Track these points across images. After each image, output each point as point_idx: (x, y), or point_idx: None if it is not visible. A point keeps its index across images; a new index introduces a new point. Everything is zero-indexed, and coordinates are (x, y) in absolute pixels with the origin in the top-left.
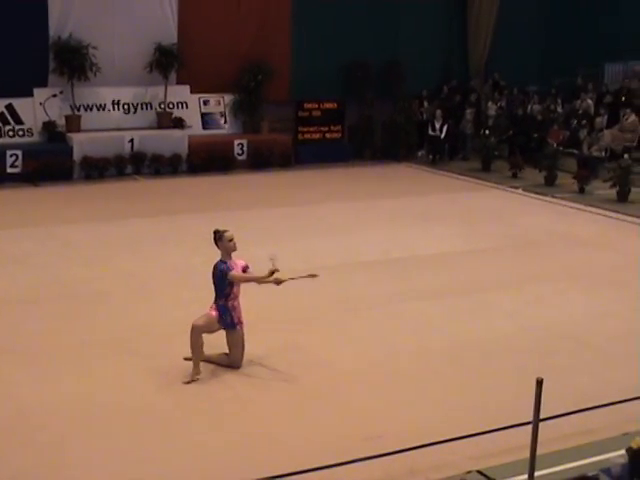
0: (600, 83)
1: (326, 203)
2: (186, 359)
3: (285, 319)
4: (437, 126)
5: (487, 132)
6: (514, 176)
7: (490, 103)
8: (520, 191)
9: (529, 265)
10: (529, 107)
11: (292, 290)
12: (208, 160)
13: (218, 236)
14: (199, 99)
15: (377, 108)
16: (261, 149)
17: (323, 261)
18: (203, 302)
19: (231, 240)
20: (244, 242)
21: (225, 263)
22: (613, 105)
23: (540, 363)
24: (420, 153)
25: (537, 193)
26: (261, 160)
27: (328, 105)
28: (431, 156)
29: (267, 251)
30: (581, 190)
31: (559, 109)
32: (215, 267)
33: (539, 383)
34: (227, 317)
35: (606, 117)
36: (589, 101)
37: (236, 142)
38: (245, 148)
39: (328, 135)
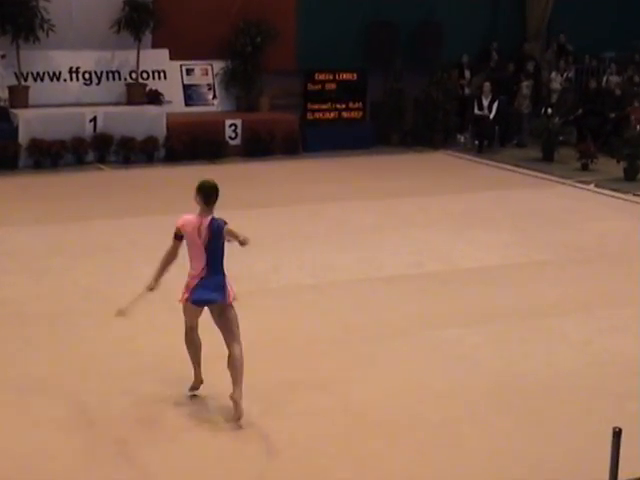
0: None
1: (341, 202)
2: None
3: (287, 351)
4: (484, 103)
5: (549, 111)
6: (584, 168)
7: (554, 74)
8: (592, 187)
9: (602, 283)
10: (604, 79)
11: (295, 312)
12: (192, 145)
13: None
14: (181, 67)
15: (407, 80)
16: (259, 132)
17: (336, 275)
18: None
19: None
20: (236, 250)
21: (218, 220)
22: None
23: (616, 408)
24: (462, 138)
25: (614, 190)
26: (259, 146)
27: (345, 76)
28: (477, 142)
29: (265, 263)
30: None
31: None
32: (211, 227)
33: (616, 433)
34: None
35: None
36: None
37: (228, 122)
38: (239, 130)
39: (345, 114)
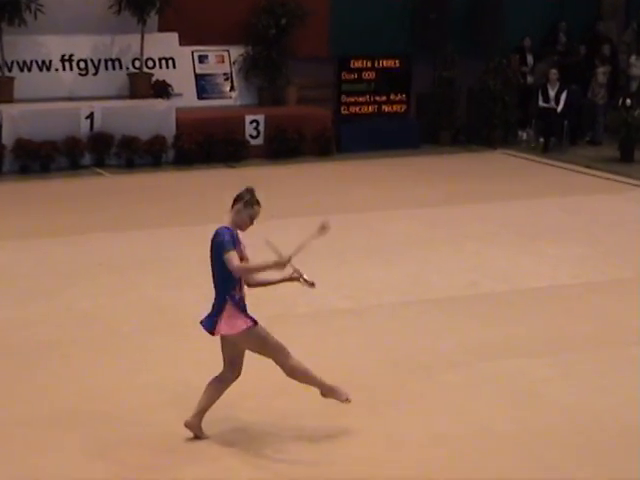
0: None
1: (382, 211)
2: None
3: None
4: (551, 94)
5: (628, 102)
6: None
7: (633, 58)
8: None
9: None
10: None
11: (329, 341)
12: (206, 146)
13: (247, 200)
14: (192, 54)
15: (460, 68)
16: (286, 129)
17: (378, 297)
18: (198, 359)
19: (252, 220)
20: None
21: (229, 230)
22: None
23: None
24: (525, 135)
25: None
26: (286, 146)
27: (386, 63)
28: (542, 139)
29: (293, 282)
30: None
31: None
32: (213, 239)
33: None
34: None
35: None
36: None
37: (249, 119)
38: (262, 128)
39: (386, 108)
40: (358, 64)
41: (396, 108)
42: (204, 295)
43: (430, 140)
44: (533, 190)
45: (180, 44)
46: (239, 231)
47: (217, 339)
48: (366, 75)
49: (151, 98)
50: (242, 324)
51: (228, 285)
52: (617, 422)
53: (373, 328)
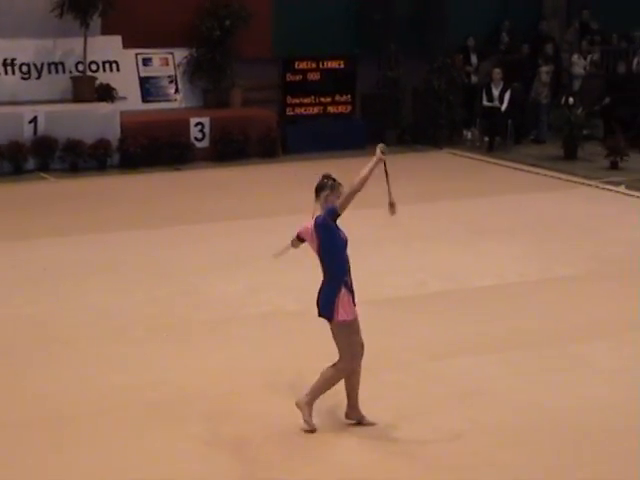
0: None
1: None
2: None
3: (271, 388)
4: (495, 93)
5: (571, 101)
6: (613, 167)
7: (576, 57)
8: (622, 189)
9: (637, 301)
10: (635, 62)
11: (278, 343)
12: (151, 149)
13: (331, 184)
14: (136, 57)
15: (404, 68)
16: (231, 131)
17: None
18: (149, 364)
19: (339, 198)
20: (207, 272)
21: (321, 216)
22: None
23: None
24: (469, 134)
25: None
26: (231, 148)
27: (331, 64)
28: (486, 138)
29: (241, 285)
30: None
31: None
32: (316, 226)
33: None
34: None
35: None
36: None
37: (193, 121)
38: (207, 130)
39: (332, 109)
40: (303, 65)
41: (341, 109)
42: (152, 299)
43: (376, 140)
44: (479, 189)
45: (124, 47)
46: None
47: (155, 339)
48: (311, 76)
49: (95, 102)
50: (349, 315)
51: (340, 271)
52: (568, 419)
53: (321, 330)
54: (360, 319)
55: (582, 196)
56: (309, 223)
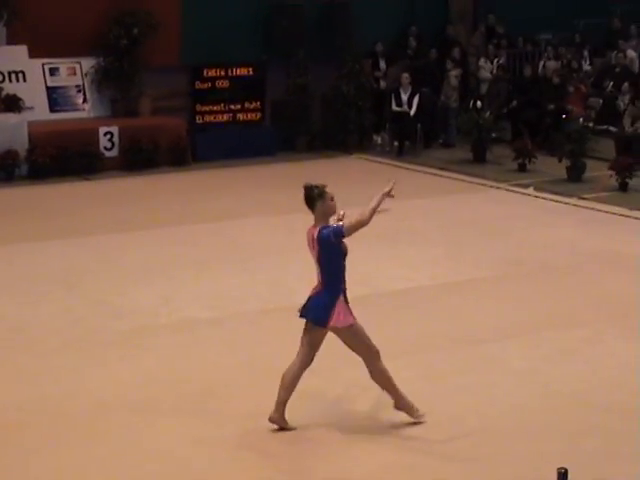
0: None
1: (240, 219)
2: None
3: (181, 399)
4: (403, 98)
5: (479, 104)
6: (521, 169)
7: (482, 60)
8: (531, 191)
9: (547, 301)
10: (541, 65)
11: (191, 351)
12: (60, 159)
13: (317, 192)
14: (43, 66)
15: (313, 74)
16: (141, 140)
17: (239, 305)
18: (64, 375)
19: (333, 199)
20: (120, 282)
21: (328, 227)
22: None
23: (565, 446)
24: (379, 139)
25: (556, 193)
26: (141, 157)
27: (240, 71)
28: (396, 143)
29: (154, 292)
30: (622, 186)
31: (586, 66)
32: (319, 238)
33: (562, 475)
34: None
35: None
36: (631, 52)
37: (102, 130)
38: (116, 139)
39: (241, 116)
40: (212, 73)
41: (251, 116)
42: (65, 310)
43: (286, 147)
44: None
45: (30, 57)
46: (334, 218)
47: (75, 353)
48: (220, 84)
49: (1, 112)
50: (350, 319)
51: (337, 280)
52: (478, 419)
53: (234, 337)
54: (271, 326)
55: (492, 199)
56: (314, 229)
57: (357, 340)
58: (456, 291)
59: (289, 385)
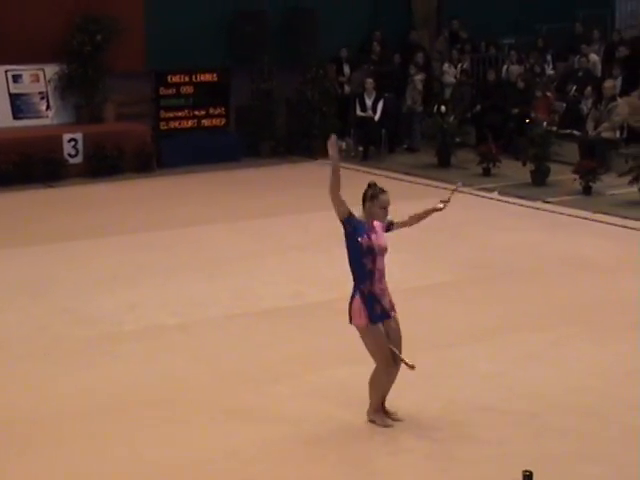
0: (609, 29)
1: (206, 225)
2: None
3: (148, 406)
4: (368, 103)
5: (443, 109)
6: (486, 173)
7: (446, 65)
8: (495, 195)
9: (511, 304)
10: (504, 69)
11: (157, 358)
12: (23, 166)
13: (371, 194)
14: (6, 73)
15: (278, 80)
16: (105, 147)
17: (205, 311)
18: (27, 383)
19: (384, 208)
20: (84, 289)
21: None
22: (630, 61)
23: (531, 449)
24: (344, 144)
25: (520, 197)
26: (105, 164)
27: (204, 77)
28: (361, 148)
29: (120, 299)
30: (586, 190)
31: (549, 70)
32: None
33: (527, 478)
34: (377, 308)
35: (620, 79)
36: (594, 57)
37: (66, 137)
38: (80, 146)
39: (206, 122)
40: (176, 79)
41: (216, 122)
42: (28, 317)
43: (251, 153)
44: (353, 199)
45: None
46: (377, 222)
47: (39, 361)
48: (184, 89)
49: None
50: (364, 319)
51: (358, 279)
52: (443, 422)
53: (201, 343)
54: (238, 332)
55: (456, 203)
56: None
57: (368, 340)
58: (422, 295)
59: (371, 387)
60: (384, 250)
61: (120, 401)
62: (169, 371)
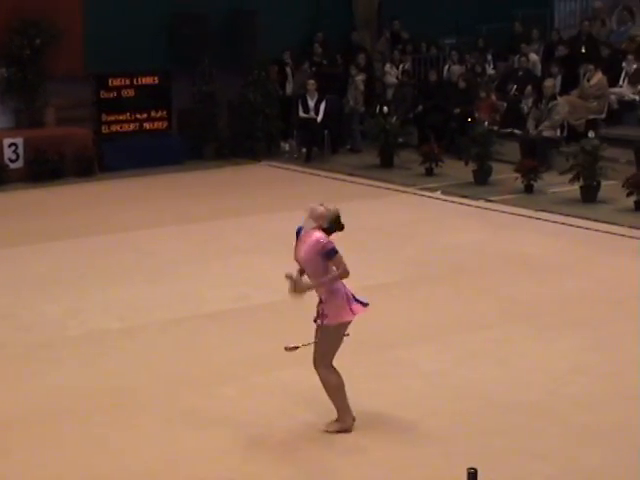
0: (548, 29)
1: (149, 229)
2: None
3: (91, 412)
4: (311, 104)
5: (385, 109)
6: (428, 173)
7: (388, 66)
8: (438, 195)
9: (455, 304)
10: (446, 69)
11: (100, 363)
12: None
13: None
14: None
15: (219, 82)
16: (46, 151)
17: (149, 315)
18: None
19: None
20: (25, 294)
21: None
22: (569, 60)
23: (475, 446)
24: (287, 146)
25: (463, 196)
26: (47, 168)
27: (145, 80)
28: (304, 149)
29: (62, 306)
30: (528, 188)
31: (490, 70)
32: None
33: (472, 475)
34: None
35: (560, 78)
36: (533, 56)
37: (6, 142)
38: (21, 150)
39: (148, 125)
40: (117, 82)
41: (157, 125)
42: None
43: (194, 155)
44: (297, 200)
45: None
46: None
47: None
48: (125, 93)
49: None
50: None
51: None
52: (389, 423)
53: (145, 347)
54: (183, 335)
55: (400, 203)
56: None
57: (326, 341)
58: (367, 296)
59: (330, 393)
60: (298, 261)
61: (63, 407)
62: (113, 376)
